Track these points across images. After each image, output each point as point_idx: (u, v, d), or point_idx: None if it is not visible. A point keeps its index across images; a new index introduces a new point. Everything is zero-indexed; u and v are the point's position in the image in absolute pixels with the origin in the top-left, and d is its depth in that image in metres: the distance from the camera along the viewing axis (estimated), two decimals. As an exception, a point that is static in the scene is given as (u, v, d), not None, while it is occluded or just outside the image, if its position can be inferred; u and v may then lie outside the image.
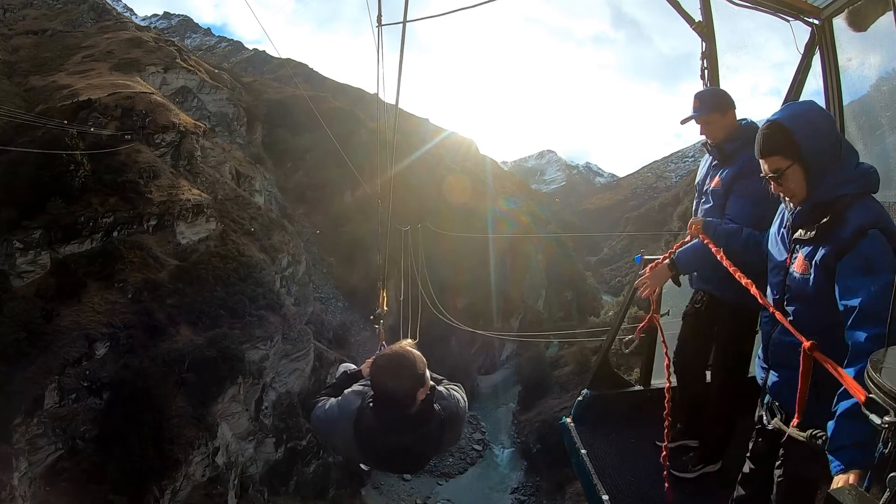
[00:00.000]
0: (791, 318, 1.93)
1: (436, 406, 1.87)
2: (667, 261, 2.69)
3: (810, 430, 1.84)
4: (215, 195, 36.16)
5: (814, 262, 1.83)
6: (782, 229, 2.06)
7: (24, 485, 20.43)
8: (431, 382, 1.86)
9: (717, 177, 2.76)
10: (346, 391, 2.07)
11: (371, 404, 1.82)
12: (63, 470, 21.89)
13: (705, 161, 2.92)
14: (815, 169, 1.80)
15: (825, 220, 1.79)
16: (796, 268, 1.91)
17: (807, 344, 1.45)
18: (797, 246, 1.92)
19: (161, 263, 29.52)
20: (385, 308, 3.41)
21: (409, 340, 1.94)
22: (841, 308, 1.72)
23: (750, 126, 2.70)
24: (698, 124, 2.76)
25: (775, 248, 2.07)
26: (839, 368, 1.28)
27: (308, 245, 46.91)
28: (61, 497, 21.04)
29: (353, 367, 2.56)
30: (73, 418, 22.95)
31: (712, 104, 2.71)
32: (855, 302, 1.65)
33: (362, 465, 2.14)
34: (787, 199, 1.93)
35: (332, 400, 2.05)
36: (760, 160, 1.92)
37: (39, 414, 22.01)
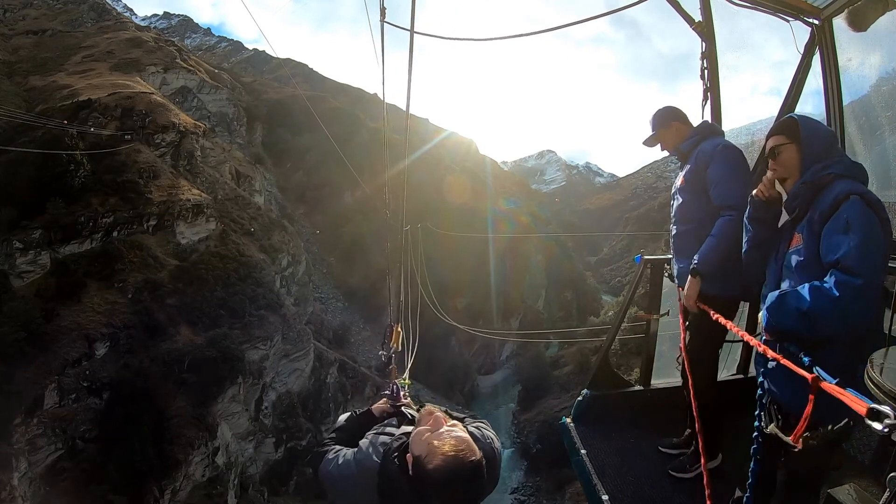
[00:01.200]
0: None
1: None
2: (689, 277, 2.71)
3: (805, 434, 1.85)
4: (215, 195, 36.19)
5: (802, 232, 1.95)
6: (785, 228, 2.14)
7: (24, 485, 20.42)
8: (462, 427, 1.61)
9: (681, 176, 2.90)
10: (361, 442, 1.78)
11: (397, 460, 1.56)
12: (63, 470, 21.89)
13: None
14: (808, 155, 2.00)
15: (809, 194, 1.96)
16: (791, 245, 2.02)
17: (810, 377, 1.45)
18: (792, 229, 2.04)
19: (161, 263, 29.52)
20: (399, 347, 3.10)
21: (461, 433, 1.53)
22: (824, 265, 1.82)
23: (704, 123, 2.96)
24: (658, 143, 2.99)
25: (778, 243, 2.15)
26: (844, 392, 1.29)
27: (308, 245, 46.94)
28: (61, 497, 21.03)
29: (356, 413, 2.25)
30: (73, 418, 22.95)
31: (657, 123, 2.96)
32: (834, 257, 1.77)
33: None
34: (780, 182, 2.08)
35: (347, 452, 1.76)
36: (766, 143, 2.12)
37: (39, 414, 22.01)
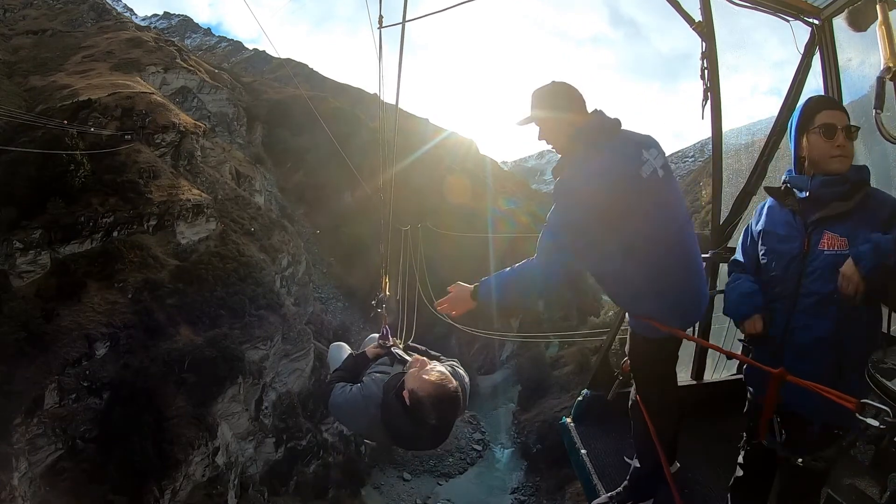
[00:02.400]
0: (807, 298, 1.86)
1: None
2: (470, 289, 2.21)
3: (807, 457, 1.84)
4: (215, 195, 36.18)
5: (847, 235, 1.79)
6: (787, 221, 1.99)
7: (24, 485, 20.42)
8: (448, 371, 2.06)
9: None
10: (365, 379, 2.21)
11: (395, 396, 1.97)
12: (63, 470, 21.89)
13: None
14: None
15: (859, 196, 1.80)
16: (826, 246, 1.82)
17: (776, 372, 1.44)
18: (821, 227, 1.85)
19: (161, 263, 29.52)
20: (387, 293, 3.40)
21: (441, 368, 2.03)
22: None
23: (578, 133, 2.08)
24: (537, 126, 2.18)
25: (781, 245, 1.99)
26: (819, 387, 1.28)
27: (308, 245, 46.94)
28: (61, 497, 21.03)
29: (347, 346, 2.79)
30: (73, 418, 22.95)
31: (548, 103, 2.13)
32: None
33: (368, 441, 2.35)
34: (837, 157, 1.86)
35: (353, 388, 2.15)
36: (820, 113, 1.90)
37: (39, 414, 22.00)
